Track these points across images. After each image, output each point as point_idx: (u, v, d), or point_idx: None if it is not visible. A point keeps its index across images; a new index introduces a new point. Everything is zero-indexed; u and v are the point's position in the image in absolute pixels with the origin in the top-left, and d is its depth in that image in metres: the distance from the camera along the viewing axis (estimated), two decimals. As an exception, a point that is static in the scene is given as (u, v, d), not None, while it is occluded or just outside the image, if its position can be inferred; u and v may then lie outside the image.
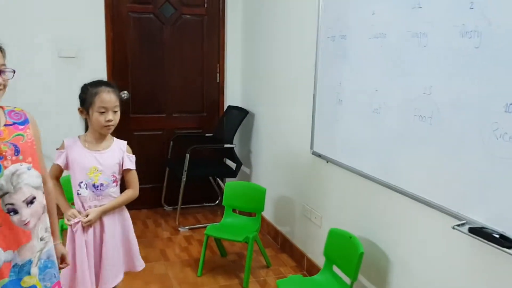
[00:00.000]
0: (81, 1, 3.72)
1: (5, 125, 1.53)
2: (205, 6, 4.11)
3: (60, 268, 1.73)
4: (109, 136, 2.14)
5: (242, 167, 4.10)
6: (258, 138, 3.93)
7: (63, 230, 2.97)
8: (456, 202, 1.84)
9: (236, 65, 4.23)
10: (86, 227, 2.07)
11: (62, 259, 1.77)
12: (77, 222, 2.06)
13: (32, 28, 3.62)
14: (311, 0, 2.88)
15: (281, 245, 3.51)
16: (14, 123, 1.56)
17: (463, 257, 1.86)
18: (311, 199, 3.06)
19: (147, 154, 4.13)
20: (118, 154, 2.13)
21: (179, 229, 3.79)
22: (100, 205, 2.09)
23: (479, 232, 1.69)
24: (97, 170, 2.05)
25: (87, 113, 2.04)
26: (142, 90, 4.05)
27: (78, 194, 2.06)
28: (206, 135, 4.21)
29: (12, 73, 1.53)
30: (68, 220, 2.07)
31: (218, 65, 4.22)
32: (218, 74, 4.23)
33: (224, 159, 4.20)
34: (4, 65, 1.50)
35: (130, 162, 2.16)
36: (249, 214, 3.38)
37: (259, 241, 3.10)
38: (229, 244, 3.45)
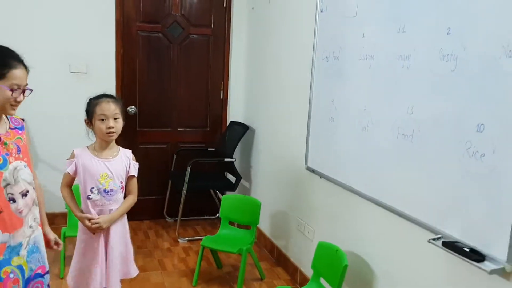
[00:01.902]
0: (93, 20, 3.90)
1: (10, 128, 1.80)
2: (212, 26, 4.27)
3: (54, 250, 1.98)
4: (114, 145, 2.28)
5: (242, 181, 4.21)
6: (258, 153, 4.04)
7: (65, 238, 3.10)
8: (434, 217, 1.93)
9: (240, 82, 4.37)
10: (96, 231, 2.20)
11: (56, 243, 1.99)
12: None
13: (45, 44, 3.80)
14: (308, 21, 3.01)
15: (276, 258, 3.59)
16: (15, 128, 1.83)
17: (441, 270, 1.93)
18: (305, 213, 3.15)
19: (151, 167, 4.27)
20: (125, 161, 2.29)
21: (179, 240, 3.89)
22: (109, 210, 2.21)
23: (451, 246, 1.77)
24: (108, 177, 2.20)
25: (91, 124, 2.20)
26: (149, 105, 4.20)
27: (88, 198, 2.18)
28: (209, 149, 4.33)
29: (30, 92, 1.77)
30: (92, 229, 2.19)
31: (222, 82, 4.36)
32: (222, 91, 4.37)
33: (225, 173, 4.31)
34: (27, 84, 1.74)
35: (134, 169, 2.32)
36: (246, 227, 3.47)
37: (253, 254, 3.18)
38: (225, 256, 3.54)
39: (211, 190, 4.37)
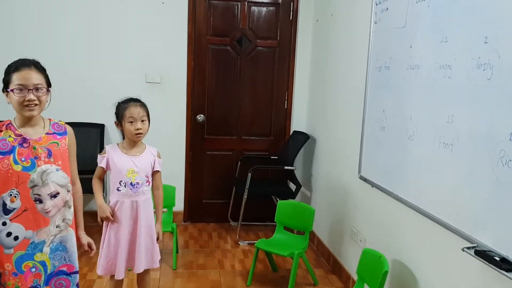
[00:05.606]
0: (167, 34, 4.24)
1: (46, 133, 1.92)
2: (278, 39, 4.44)
3: (87, 253, 2.10)
4: (141, 143, 2.52)
5: (303, 190, 4.30)
6: (318, 162, 4.12)
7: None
8: (470, 225, 1.92)
9: (303, 93, 4.49)
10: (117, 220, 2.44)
11: (89, 246, 2.12)
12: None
13: (125, 56, 4.19)
14: (364, 32, 3.07)
15: (332, 266, 3.63)
16: (54, 133, 1.94)
17: (477, 279, 1.91)
18: (358, 222, 3.18)
19: (217, 172, 4.52)
20: (151, 158, 2.52)
21: (239, 242, 4.07)
22: (135, 201, 2.44)
23: (483, 254, 1.76)
24: (134, 172, 2.44)
25: (121, 125, 2.44)
26: (216, 114, 4.46)
27: (118, 190, 2.43)
28: (272, 157, 4.48)
29: (47, 91, 1.85)
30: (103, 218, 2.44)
31: (286, 92, 4.51)
32: (286, 101, 4.52)
33: (287, 181, 4.43)
34: (40, 84, 1.82)
35: (159, 165, 2.55)
36: (303, 233, 3.57)
37: (305, 259, 3.26)
38: (281, 261, 3.65)
39: (274, 197, 4.50)
